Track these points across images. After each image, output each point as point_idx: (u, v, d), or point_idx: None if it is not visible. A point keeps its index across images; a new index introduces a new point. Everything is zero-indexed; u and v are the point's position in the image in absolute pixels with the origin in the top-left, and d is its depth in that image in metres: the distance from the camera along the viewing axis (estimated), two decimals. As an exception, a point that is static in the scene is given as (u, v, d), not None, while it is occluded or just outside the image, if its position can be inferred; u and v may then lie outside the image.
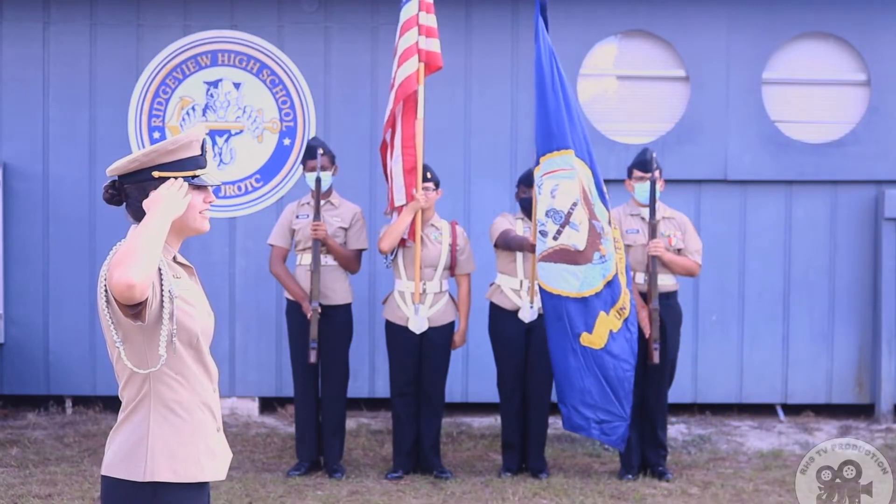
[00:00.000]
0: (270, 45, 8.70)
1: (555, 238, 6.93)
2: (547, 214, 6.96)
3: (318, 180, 7.27)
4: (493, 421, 8.45)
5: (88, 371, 8.65)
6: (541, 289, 7.07)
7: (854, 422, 8.74)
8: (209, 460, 3.23)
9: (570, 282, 6.93)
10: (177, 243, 3.31)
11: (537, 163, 7.03)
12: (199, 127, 3.37)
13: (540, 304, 7.38)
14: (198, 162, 3.28)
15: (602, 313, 6.91)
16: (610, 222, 7.01)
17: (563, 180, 6.92)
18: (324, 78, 8.73)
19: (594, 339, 6.92)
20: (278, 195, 8.67)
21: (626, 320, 6.97)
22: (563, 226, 6.91)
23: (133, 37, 8.68)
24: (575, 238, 6.91)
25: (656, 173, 7.38)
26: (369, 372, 8.68)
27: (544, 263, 7.00)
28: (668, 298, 7.40)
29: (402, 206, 7.32)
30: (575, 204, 6.91)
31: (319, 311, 7.25)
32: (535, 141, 7.12)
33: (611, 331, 6.94)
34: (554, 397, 7.28)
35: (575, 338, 6.93)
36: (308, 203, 7.42)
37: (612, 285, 6.93)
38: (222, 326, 8.34)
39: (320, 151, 7.31)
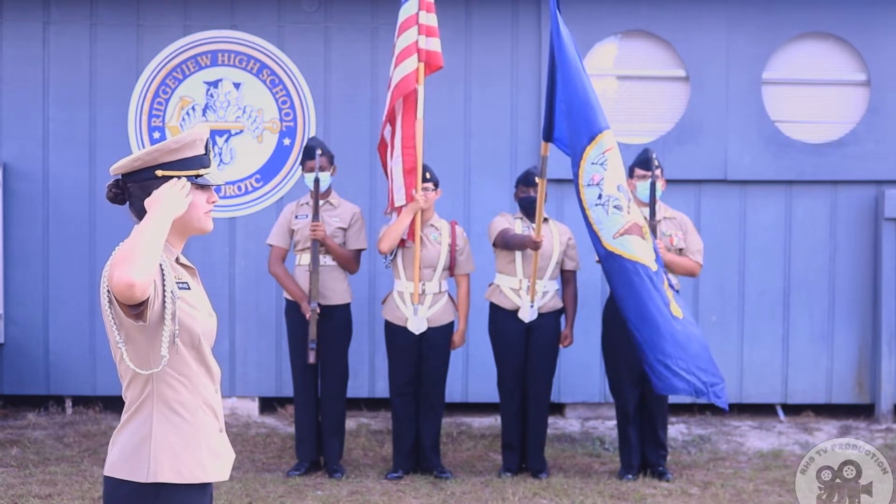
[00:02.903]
0: (270, 45, 8.70)
1: (628, 212, 6.84)
2: (619, 189, 6.84)
3: (317, 180, 7.27)
4: (493, 421, 8.45)
5: (88, 371, 8.65)
6: (623, 259, 6.82)
7: (854, 422, 8.74)
8: (212, 461, 3.23)
9: (647, 253, 6.82)
10: (179, 244, 3.30)
11: (590, 141, 6.87)
12: (203, 126, 3.36)
13: (540, 304, 7.39)
14: (201, 161, 3.28)
15: (665, 288, 6.90)
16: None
17: (618, 158, 6.88)
18: (324, 78, 8.73)
19: (676, 309, 6.87)
20: (278, 195, 8.67)
21: (672, 296, 6.94)
22: (629, 200, 6.86)
23: (133, 37, 8.68)
24: (637, 213, 6.89)
25: (657, 172, 7.39)
26: (369, 372, 8.68)
27: (627, 236, 6.80)
28: (669, 298, 7.40)
29: (401, 207, 7.32)
30: (627, 181, 6.91)
31: (318, 311, 7.25)
32: (573, 122, 6.88)
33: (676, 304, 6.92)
34: (554, 397, 7.24)
35: (668, 306, 6.82)
36: (307, 203, 7.42)
37: (658, 263, 6.89)
38: (222, 326, 8.33)
39: (319, 152, 7.31)
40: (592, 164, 6.83)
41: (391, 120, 7.36)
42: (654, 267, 6.84)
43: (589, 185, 6.87)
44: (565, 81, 6.89)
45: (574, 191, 6.97)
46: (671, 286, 6.98)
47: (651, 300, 6.80)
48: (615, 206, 6.81)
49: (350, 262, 7.41)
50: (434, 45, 7.32)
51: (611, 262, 6.88)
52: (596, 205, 6.86)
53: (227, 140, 8.69)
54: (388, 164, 7.41)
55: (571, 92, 6.87)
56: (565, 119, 6.97)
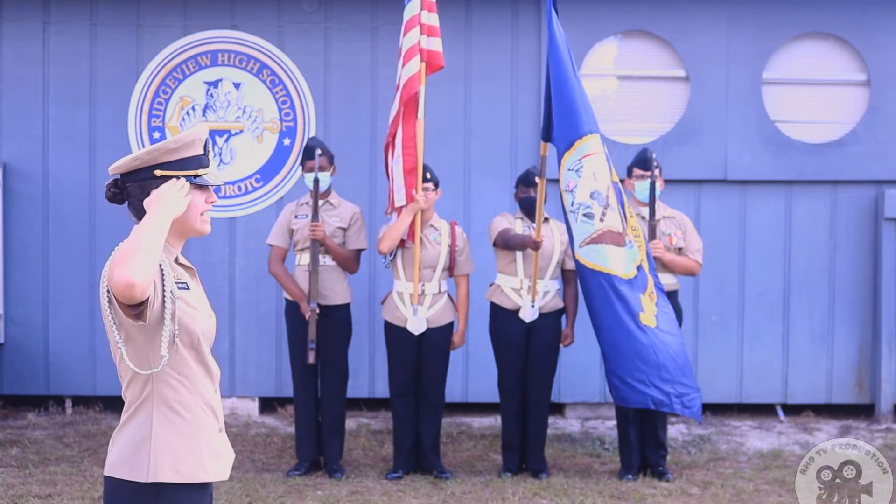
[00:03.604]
0: (270, 45, 8.70)
1: (601, 220, 6.85)
2: (592, 196, 6.83)
3: (317, 180, 7.27)
4: (493, 421, 8.45)
5: (88, 371, 8.65)
6: (585, 268, 6.87)
7: (854, 422, 8.74)
8: (212, 461, 3.23)
9: (620, 261, 6.81)
10: (178, 244, 3.30)
11: (569, 147, 6.89)
12: (202, 126, 3.36)
13: (541, 304, 7.39)
14: (200, 161, 3.28)
15: (641, 295, 6.87)
16: (624, 208, 6.96)
17: (598, 164, 6.87)
18: (324, 78, 8.73)
19: (648, 318, 6.84)
20: (278, 195, 8.67)
21: (656, 303, 6.92)
22: (605, 207, 6.84)
23: (133, 37, 8.68)
24: (615, 220, 6.86)
25: (656, 172, 7.39)
26: (369, 372, 8.68)
27: (594, 245, 6.82)
28: (669, 298, 7.38)
29: (402, 207, 7.32)
30: (609, 187, 6.89)
31: (318, 311, 7.24)
32: (558, 125, 6.91)
33: (654, 312, 6.88)
34: (554, 397, 7.24)
35: (636, 316, 6.80)
36: (307, 203, 7.42)
37: (640, 269, 6.89)
38: (222, 326, 8.32)
39: (318, 152, 7.31)
40: (569, 170, 6.90)
41: (397, 122, 7.35)
42: (627, 275, 6.82)
43: (566, 190, 6.94)
44: (556, 85, 6.92)
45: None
46: (659, 288, 6.98)
47: (610, 311, 6.82)
48: (585, 215, 6.85)
49: (350, 262, 7.41)
50: (435, 44, 7.32)
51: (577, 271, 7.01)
52: (570, 211, 6.92)
53: (227, 140, 8.69)
54: (390, 164, 7.41)
55: (560, 97, 6.90)
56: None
